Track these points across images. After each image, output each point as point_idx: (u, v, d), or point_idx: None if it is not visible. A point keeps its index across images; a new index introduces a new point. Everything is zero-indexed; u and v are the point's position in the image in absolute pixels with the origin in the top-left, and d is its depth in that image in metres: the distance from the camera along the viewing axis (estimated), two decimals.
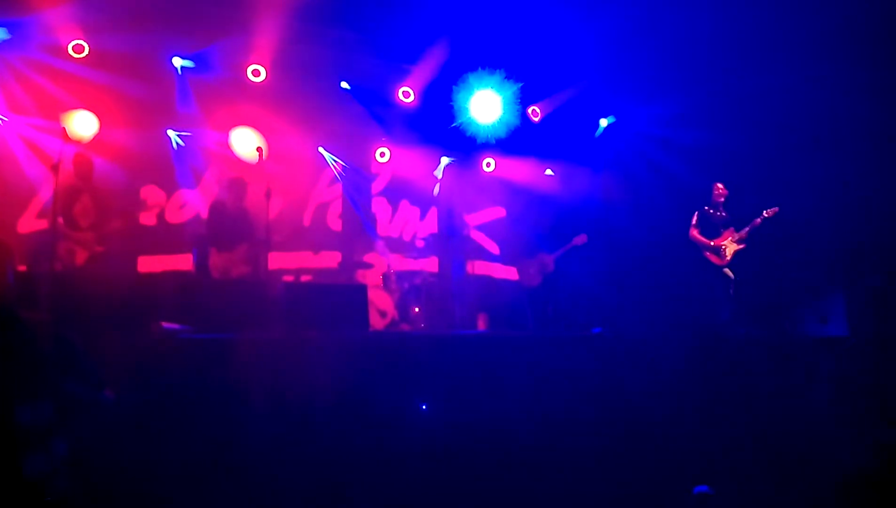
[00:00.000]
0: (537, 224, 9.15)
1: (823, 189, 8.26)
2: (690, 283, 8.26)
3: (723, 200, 8.20)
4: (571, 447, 5.25)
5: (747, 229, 8.01)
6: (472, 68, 9.46)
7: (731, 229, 8.11)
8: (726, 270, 8.03)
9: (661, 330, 6.65)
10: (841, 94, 8.07)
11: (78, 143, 7.82)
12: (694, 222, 8.18)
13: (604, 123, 10.54)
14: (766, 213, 7.96)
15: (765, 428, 5.44)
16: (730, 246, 8.03)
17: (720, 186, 8.22)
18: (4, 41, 7.81)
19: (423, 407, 5.33)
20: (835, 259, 7.99)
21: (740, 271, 8.11)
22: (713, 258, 8.07)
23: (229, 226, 7.47)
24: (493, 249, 10.42)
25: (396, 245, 9.67)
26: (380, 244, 9.04)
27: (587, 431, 5.39)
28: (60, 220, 6.80)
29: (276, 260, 8.43)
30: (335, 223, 9.69)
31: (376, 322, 8.18)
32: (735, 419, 5.53)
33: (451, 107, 9.60)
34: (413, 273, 8.95)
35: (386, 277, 8.77)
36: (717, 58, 8.65)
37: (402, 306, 8.58)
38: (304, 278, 9.17)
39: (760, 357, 6.10)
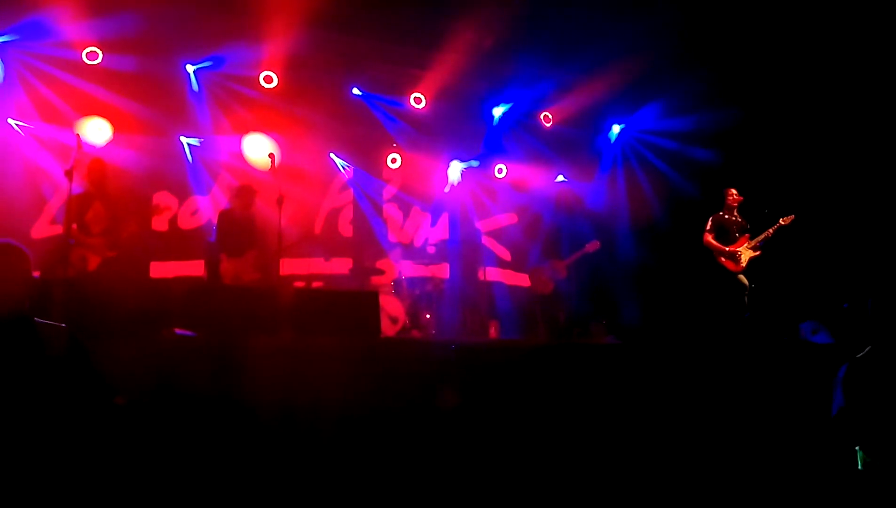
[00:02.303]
0: (549, 231, 9.12)
1: (839, 196, 8.20)
2: (705, 290, 8.18)
3: (736, 205, 8.12)
4: (583, 455, 5.21)
5: (762, 237, 7.91)
6: (484, 74, 9.48)
7: (747, 235, 8.02)
8: (741, 276, 7.94)
9: (675, 337, 6.59)
10: (855, 101, 8.01)
11: (91, 149, 7.87)
12: (708, 227, 8.08)
13: (616, 129, 10.52)
14: (782, 221, 7.86)
15: (776, 437, 5.38)
16: (745, 252, 7.93)
17: (734, 191, 8.14)
18: (13, 52, 7.89)
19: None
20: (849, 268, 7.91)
21: (756, 278, 8.03)
22: (728, 264, 7.96)
23: (238, 233, 7.48)
24: (505, 255, 10.38)
25: (407, 251, 9.66)
26: (396, 253, 9.06)
27: (598, 439, 5.34)
28: (74, 226, 6.83)
29: (288, 266, 8.43)
30: (346, 229, 9.69)
31: (387, 329, 8.16)
32: (748, 428, 5.47)
33: (466, 113, 9.65)
34: (424, 279, 8.94)
35: (397, 283, 8.76)
36: (726, 60, 8.61)
37: (414, 313, 8.56)
38: (316, 284, 9.17)
39: (774, 365, 6.04)
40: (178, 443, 4.39)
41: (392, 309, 8.35)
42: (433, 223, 10.17)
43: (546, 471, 5.03)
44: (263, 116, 8.90)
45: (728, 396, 5.67)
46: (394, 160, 9.88)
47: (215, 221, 7.91)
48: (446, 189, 10.15)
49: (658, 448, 5.24)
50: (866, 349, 3.73)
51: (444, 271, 9.64)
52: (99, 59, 8.05)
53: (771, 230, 7.87)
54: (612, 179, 10.51)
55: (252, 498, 4.45)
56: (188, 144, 8.78)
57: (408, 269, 9.23)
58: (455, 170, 10.13)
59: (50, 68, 8.07)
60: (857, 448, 3.69)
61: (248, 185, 7.78)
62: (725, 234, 8.05)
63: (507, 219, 10.54)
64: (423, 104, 9.59)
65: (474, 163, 9.96)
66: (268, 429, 4.71)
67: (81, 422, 2.90)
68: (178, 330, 5.14)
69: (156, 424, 4.33)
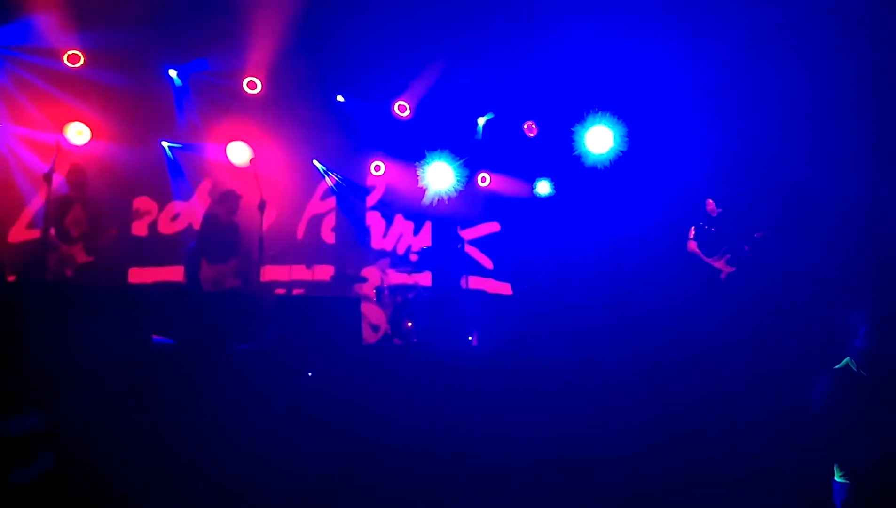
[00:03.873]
0: (531, 239, 9.14)
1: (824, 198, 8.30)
2: (687, 296, 8.25)
3: (716, 215, 8.24)
4: (567, 460, 5.22)
5: (737, 254, 8.06)
6: (468, 83, 9.51)
7: (724, 247, 8.14)
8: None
9: (658, 344, 6.63)
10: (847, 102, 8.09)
11: (71, 153, 7.79)
12: (692, 235, 8.22)
13: (602, 136, 10.48)
14: (756, 236, 8.04)
15: (761, 441, 5.43)
16: (724, 269, 8.09)
17: (711, 202, 8.27)
18: None
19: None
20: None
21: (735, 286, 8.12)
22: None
23: (221, 239, 7.44)
24: (487, 263, 10.40)
25: (390, 259, 9.66)
26: (381, 262, 9.08)
27: (583, 443, 5.36)
28: (52, 230, 6.75)
29: (269, 273, 8.39)
30: (329, 236, 9.66)
31: (369, 336, 8.14)
32: (735, 433, 5.51)
33: (449, 122, 9.68)
34: (406, 287, 8.93)
35: (379, 290, 8.75)
36: (717, 63, 8.66)
37: (395, 321, 8.54)
38: (297, 291, 9.13)
39: (759, 371, 6.09)
40: (155, 449, 4.35)
41: (374, 317, 8.34)
42: (416, 231, 10.17)
43: (542, 473, 5.05)
44: (247, 121, 8.86)
45: (717, 400, 5.72)
46: (377, 168, 9.88)
47: (197, 226, 7.86)
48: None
49: (652, 447, 5.27)
50: (844, 361, 3.78)
51: (426, 279, 9.63)
52: (80, 63, 7.99)
53: (746, 247, 8.04)
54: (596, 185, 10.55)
55: (229, 503, 4.42)
56: (170, 149, 8.72)
57: (390, 277, 9.21)
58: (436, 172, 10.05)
59: (31, 71, 8.00)
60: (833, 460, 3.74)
61: (232, 189, 7.75)
62: (706, 243, 8.18)
63: (489, 227, 10.56)
64: (407, 112, 9.61)
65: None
66: (248, 436, 4.67)
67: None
68: (156, 337, 5.09)
69: (132, 429, 4.29)
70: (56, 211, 6.77)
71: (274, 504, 4.55)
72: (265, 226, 6.94)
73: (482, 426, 5.25)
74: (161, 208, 8.74)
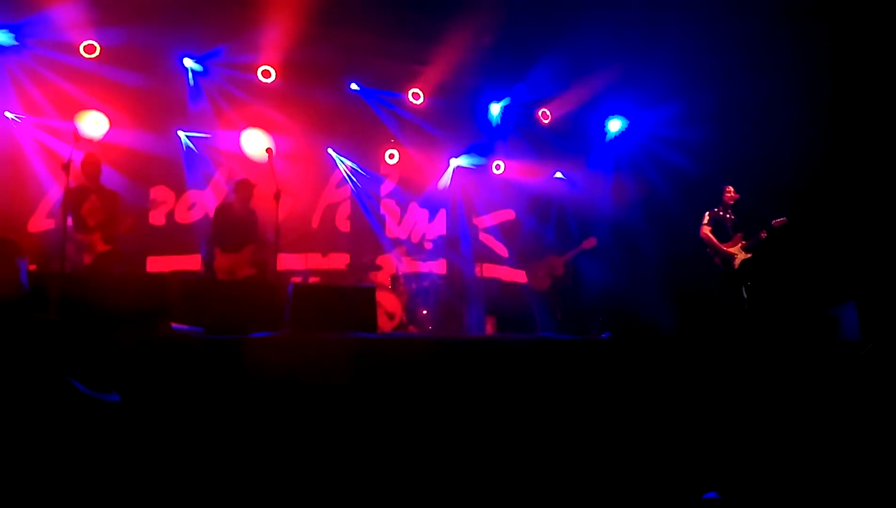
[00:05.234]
0: (546, 227, 9.13)
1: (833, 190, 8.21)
2: (702, 287, 8.20)
3: (732, 203, 8.15)
4: (579, 454, 5.21)
5: (754, 241, 7.95)
6: (481, 69, 9.48)
7: (741, 234, 8.04)
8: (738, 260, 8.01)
9: (672, 334, 6.60)
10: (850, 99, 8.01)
11: (88, 143, 7.85)
12: (705, 221, 8.14)
13: (614, 125, 10.49)
14: (774, 223, 7.91)
15: (777, 438, 5.38)
16: (739, 255, 8.00)
17: (730, 188, 8.17)
18: (11, 46, 7.88)
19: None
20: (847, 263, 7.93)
21: (751, 277, 8.05)
22: (721, 261, 8.04)
23: (235, 228, 7.47)
24: (502, 251, 10.39)
25: (405, 247, 9.68)
26: (398, 250, 9.11)
27: (595, 437, 5.34)
28: (69, 220, 6.81)
29: (285, 261, 8.43)
30: (344, 225, 9.69)
31: (384, 324, 8.17)
32: (748, 429, 5.47)
33: (464, 109, 9.66)
34: (421, 275, 8.95)
35: (394, 279, 8.77)
36: (727, 55, 8.59)
37: (410, 309, 8.57)
38: (313, 279, 9.18)
39: (772, 364, 6.04)
40: (177, 439, 4.39)
41: (389, 305, 8.37)
42: (431, 219, 10.17)
43: (540, 470, 5.03)
44: (261, 110, 8.89)
45: (724, 395, 5.68)
46: (391, 156, 9.88)
47: (212, 215, 7.90)
48: (441, 185, 10.14)
49: (655, 448, 5.25)
50: (868, 346, 3.75)
51: (441, 267, 9.64)
52: (96, 53, 8.03)
53: (763, 233, 7.91)
54: (611, 173, 10.51)
55: (251, 498, 4.45)
56: (186, 138, 8.77)
57: (405, 265, 9.23)
58: (452, 166, 10.12)
59: (48, 62, 8.04)
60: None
61: (247, 179, 7.78)
62: (721, 230, 8.09)
63: (504, 215, 10.54)
64: (421, 100, 9.59)
65: (478, 161, 9.99)
66: (264, 425, 4.70)
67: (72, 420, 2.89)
68: (174, 324, 5.13)
69: (153, 419, 4.33)
70: (72, 201, 6.83)
71: (289, 495, 4.58)
72: (281, 216, 6.96)
73: (498, 418, 5.25)
74: (178, 197, 8.80)
